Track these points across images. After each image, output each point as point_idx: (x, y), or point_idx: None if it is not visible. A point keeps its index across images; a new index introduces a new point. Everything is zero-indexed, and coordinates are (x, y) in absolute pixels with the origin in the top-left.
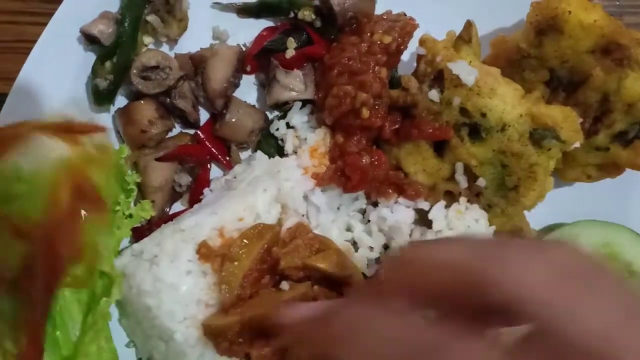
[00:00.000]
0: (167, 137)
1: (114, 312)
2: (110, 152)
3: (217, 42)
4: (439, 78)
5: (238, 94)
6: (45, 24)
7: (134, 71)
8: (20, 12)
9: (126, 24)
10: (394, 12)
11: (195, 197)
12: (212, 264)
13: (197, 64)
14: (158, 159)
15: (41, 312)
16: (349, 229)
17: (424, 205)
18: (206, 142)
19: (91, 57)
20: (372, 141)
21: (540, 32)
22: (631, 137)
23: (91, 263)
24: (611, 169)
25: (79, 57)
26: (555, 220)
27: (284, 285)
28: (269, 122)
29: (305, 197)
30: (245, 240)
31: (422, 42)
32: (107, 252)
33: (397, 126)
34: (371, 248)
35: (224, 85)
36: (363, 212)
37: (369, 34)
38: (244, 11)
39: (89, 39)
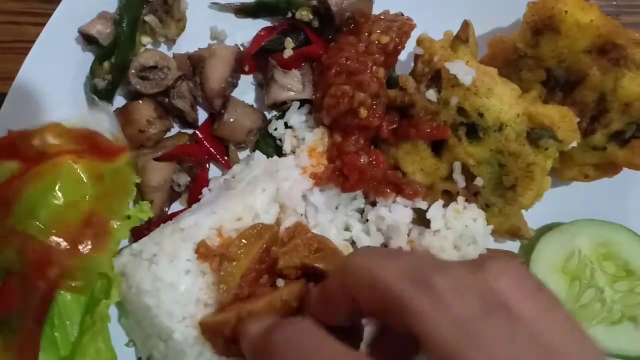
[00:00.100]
0: (165, 137)
1: (114, 312)
2: (130, 178)
3: (215, 42)
4: (437, 78)
5: (236, 94)
6: (44, 25)
7: (133, 71)
8: (19, 12)
9: (124, 25)
10: (391, 13)
11: (194, 197)
12: (211, 263)
13: (195, 64)
14: (157, 159)
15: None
16: (347, 229)
17: (422, 204)
18: (205, 142)
19: (90, 58)
20: (370, 141)
21: (537, 32)
22: (628, 137)
23: (88, 283)
24: (608, 168)
25: (78, 58)
26: (553, 220)
27: (280, 282)
28: (267, 122)
29: (304, 197)
30: (244, 241)
31: (419, 42)
32: (106, 254)
33: (395, 126)
34: None
35: (222, 86)
36: (361, 211)
37: (366, 34)
38: (242, 11)
39: (88, 40)
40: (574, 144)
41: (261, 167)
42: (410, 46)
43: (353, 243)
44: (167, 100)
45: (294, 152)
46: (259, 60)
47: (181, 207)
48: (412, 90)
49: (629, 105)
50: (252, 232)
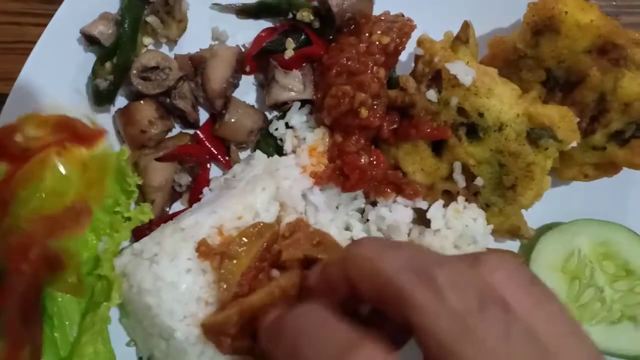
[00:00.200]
0: (167, 137)
1: (115, 311)
2: (111, 159)
3: (216, 42)
4: (437, 78)
5: (237, 94)
6: (45, 25)
7: (134, 72)
8: (20, 13)
9: (126, 25)
10: (391, 13)
11: (194, 196)
12: (211, 262)
13: (196, 64)
14: (158, 159)
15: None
16: (347, 228)
17: (422, 204)
18: (206, 142)
19: (91, 58)
20: (371, 141)
21: (537, 33)
22: (628, 137)
23: (78, 271)
24: (608, 168)
25: (79, 58)
26: (553, 219)
27: (275, 273)
28: (268, 122)
29: (304, 196)
30: (244, 239)
31: (420, 42)
32: (106, 255)
33: (395, 126)
34: None
35: (223, 86)
36: (362, 211)
37: (367, 35)
38: (243, 12)
39: (89, 40)
40: (574, 144)
41: (261, 165)
42: (411, 46)
43: None
44: (168, 100)
45: (294, 152)
46: (259, 60)
47: (182, 207)
48: (412, 90)
49: (628, 105)
50: (253, 231)
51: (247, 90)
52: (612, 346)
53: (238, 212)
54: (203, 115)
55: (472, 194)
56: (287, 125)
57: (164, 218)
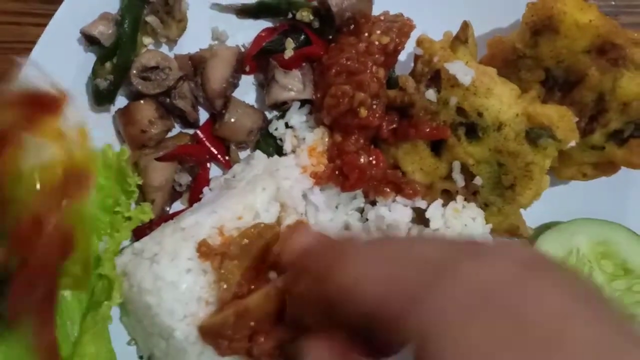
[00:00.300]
0: (167, 137)
1: (115, 311)
2: (87, 132)
3: (216, 42)
4: (436, 78)
5: (237, 94)
6: (45, 25)
7: (134, 72)
8: (20, 13)
9: (126, 25)
10: (391, 13)
11: (195, 196)
12: (212, 262)
13: (196, 64)
14: (158, 159)
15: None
16: (347, 228)
17: (421, 204)
18: (206, 142)
19: (91, 58)
20: (370, 140)
21: (536, 33)
22: (626, 136)
23: (86, 254)
24: (607, 167)
25: (79, 58)
26: (552, 219)
27: (272, 275)
28: (267, 122)
29: (304, 196)
30: (245, 240)
31: (419, 42)
32: (107, 254)
33: (394, 126)
34: None
35: (223, 86)
36: (361, 210)
37: (366, 35)
38: (243, 12)
39: (89, 40)
40: (573, 143)
41: (261, 165)
42: (410, 46)
43: None
44: (168, 100)
45: (294, 152)
46: (259, 60)
47: (182, 207)
48: (411, 90)
49: (627, 105)
50: (254, 231)
51: (247, 90)
52: None
53: (238, 212)
54: (203, 115)
55: (471, 194)
56: (287, 125)
57: (164, 218)
